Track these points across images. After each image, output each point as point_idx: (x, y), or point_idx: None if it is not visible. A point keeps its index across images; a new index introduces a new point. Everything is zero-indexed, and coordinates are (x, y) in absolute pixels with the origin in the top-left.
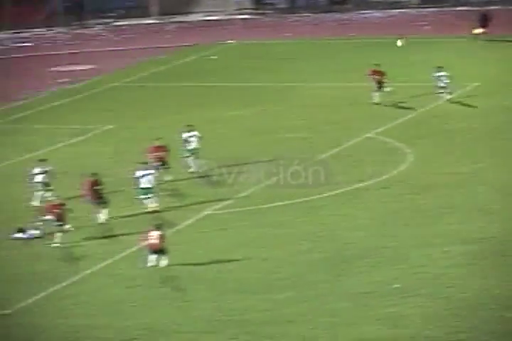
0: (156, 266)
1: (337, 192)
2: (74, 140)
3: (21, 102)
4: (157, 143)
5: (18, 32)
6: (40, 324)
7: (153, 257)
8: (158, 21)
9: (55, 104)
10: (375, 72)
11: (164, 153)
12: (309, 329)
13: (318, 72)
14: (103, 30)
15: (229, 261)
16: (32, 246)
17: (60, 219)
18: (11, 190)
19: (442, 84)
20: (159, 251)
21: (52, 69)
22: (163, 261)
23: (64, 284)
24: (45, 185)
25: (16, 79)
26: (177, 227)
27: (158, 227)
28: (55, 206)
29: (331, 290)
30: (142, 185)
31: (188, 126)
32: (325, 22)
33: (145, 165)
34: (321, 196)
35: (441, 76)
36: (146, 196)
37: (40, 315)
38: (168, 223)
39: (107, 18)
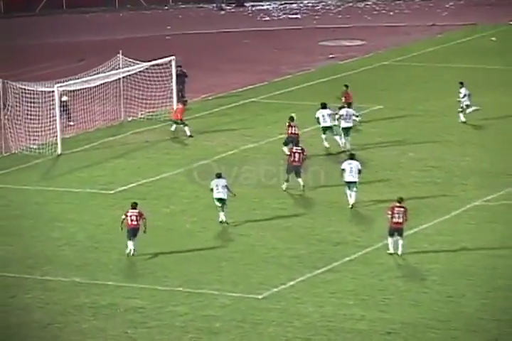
0: (395, 253)
1: None
2: None
3: (289, 76)
4: None
5: (286, 3)
6: (294, 311)
7: (391, 240)
8: None
9: (322, 80)
10: None
11: None
12: None
13: None
14: (377, 4)
15: (497, 256)
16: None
17: None
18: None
19: None
20: (399, 230)
21: (321, 43)
22: (401, 244)
23: (321, 270)
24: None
25: (284, 53)
26: (444, 216)
27: (400, 202)
28: None
29: None
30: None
31: None
32: None
33: None
34: None
35: None
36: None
37: (294, 301)
38: (434, 211)
39: None
